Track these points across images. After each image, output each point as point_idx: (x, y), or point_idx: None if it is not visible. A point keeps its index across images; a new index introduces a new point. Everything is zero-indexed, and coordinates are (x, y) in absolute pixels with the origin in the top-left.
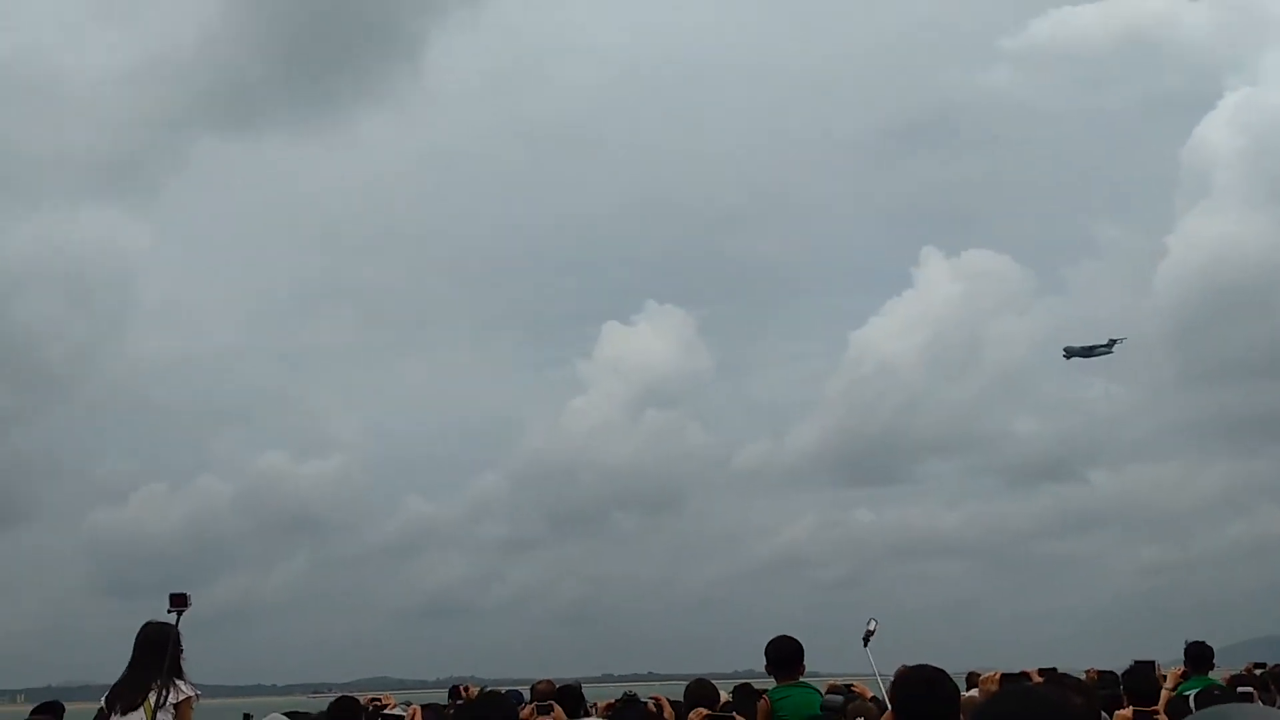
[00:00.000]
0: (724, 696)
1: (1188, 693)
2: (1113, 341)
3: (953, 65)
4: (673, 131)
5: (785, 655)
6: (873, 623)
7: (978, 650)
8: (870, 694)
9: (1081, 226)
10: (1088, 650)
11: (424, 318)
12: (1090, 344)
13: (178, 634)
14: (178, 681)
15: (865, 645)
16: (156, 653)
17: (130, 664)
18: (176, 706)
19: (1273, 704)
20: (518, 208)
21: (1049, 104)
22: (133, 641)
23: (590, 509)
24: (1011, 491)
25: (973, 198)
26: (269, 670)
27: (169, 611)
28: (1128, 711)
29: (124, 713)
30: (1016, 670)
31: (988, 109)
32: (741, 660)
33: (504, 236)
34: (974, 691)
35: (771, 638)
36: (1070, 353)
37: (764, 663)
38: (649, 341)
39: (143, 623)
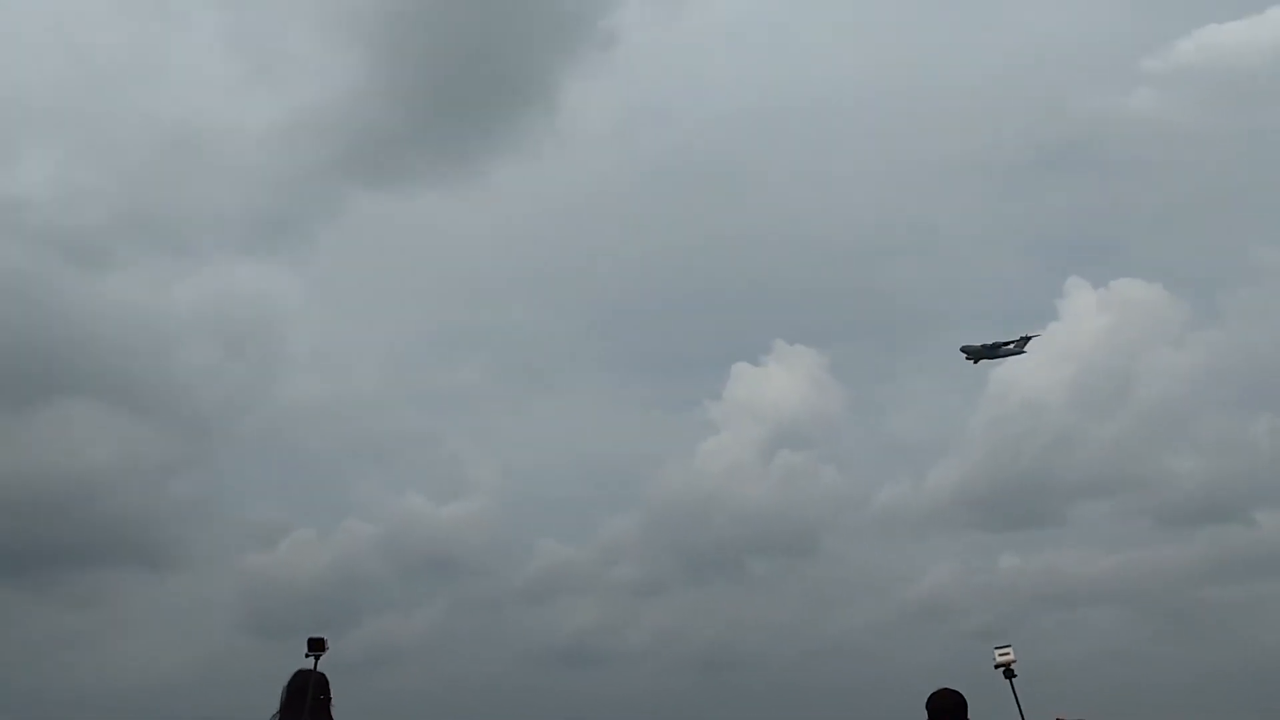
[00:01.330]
0: None
1: None
2: (1025, 339)
3: (1093, 88)
4: (803, 166)
5: (948, 707)
6: (1009, 652)
7: (1134, 703)
8: None
9: (1238, 252)
10: (1250, 708)
11: (557, 361)
12: (994, 341)
13: (325, 680)
14: None
15: (1008, 677)
16: (306, 700)
17: (281, 710)
18: None
19: None
20: (647, 249)
21: (1198, 125)
22: (280, 683)
23: (723, 552)
24: (1169, 534)
25: (1119, 225)
26: (412, 714)
27: (307, 655)
28: None
29: None
30: None
31: (1132, 132)
32: (880, 709)
33: (633, 278)
34: None
35: (932, 690)
36: (971, 354)
37: (908, 713)
38: (779, 381)
39: (290, 666)
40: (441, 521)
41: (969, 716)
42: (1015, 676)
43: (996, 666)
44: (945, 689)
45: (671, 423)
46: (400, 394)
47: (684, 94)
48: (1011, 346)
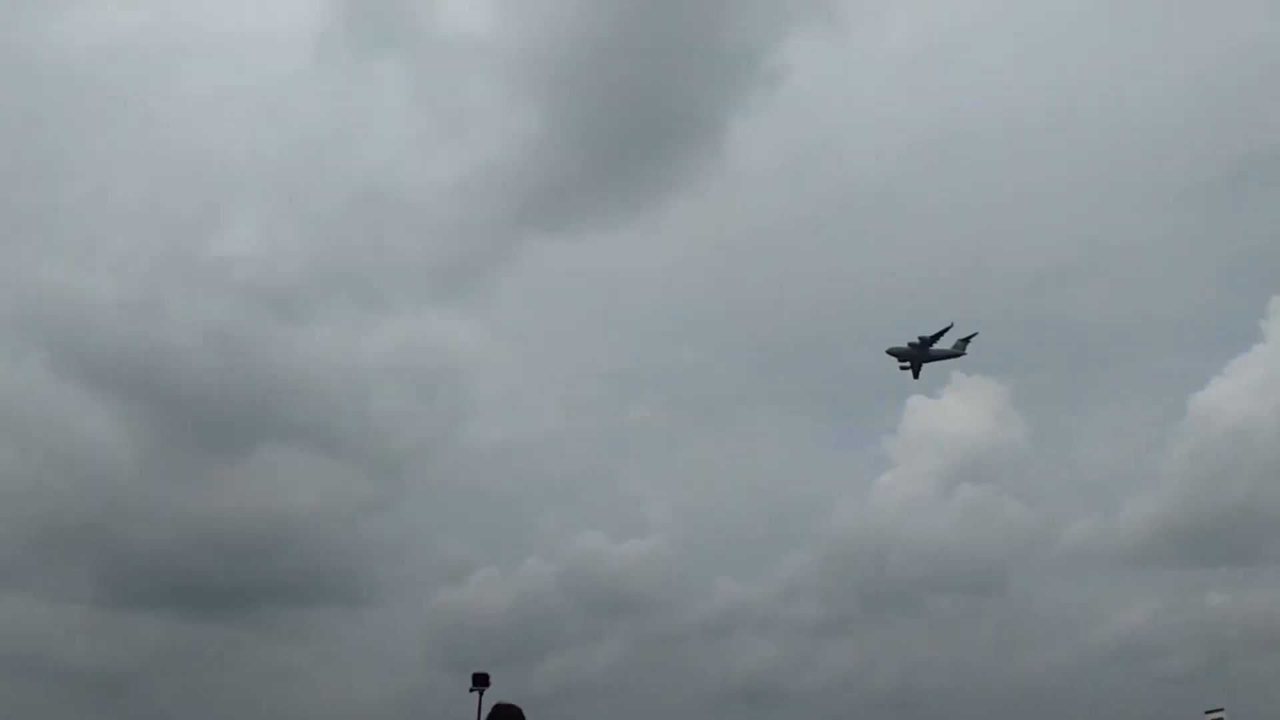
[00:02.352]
0: None
1: None
2: (966, 339)
3: None
4: (976, 194)
5: None
6: (1222, 717)
7: None
8: None
9: None
10: None
11: (729, 399)
12: (922, 337)
13: (521, 714)
14: None
15: None
16: None
17: None
18: None
19: None
20: (817, 284)
21: None
22: (470, 716)
23: (904, 590)
24: None
25: None
26: None
27: (471, 690)
28: None
29: None
30: None
31: None
32: None
33: (804, 314)
34: None
35: None
36: (900, 356)
37: None
38: (958, 413)
39: (478, 700)
40: (619, 559)
41: None
42: None
43: None
44: None
45: (845, 458)
46: (577, 434)
47: (851, 127)
48: (950, 348)
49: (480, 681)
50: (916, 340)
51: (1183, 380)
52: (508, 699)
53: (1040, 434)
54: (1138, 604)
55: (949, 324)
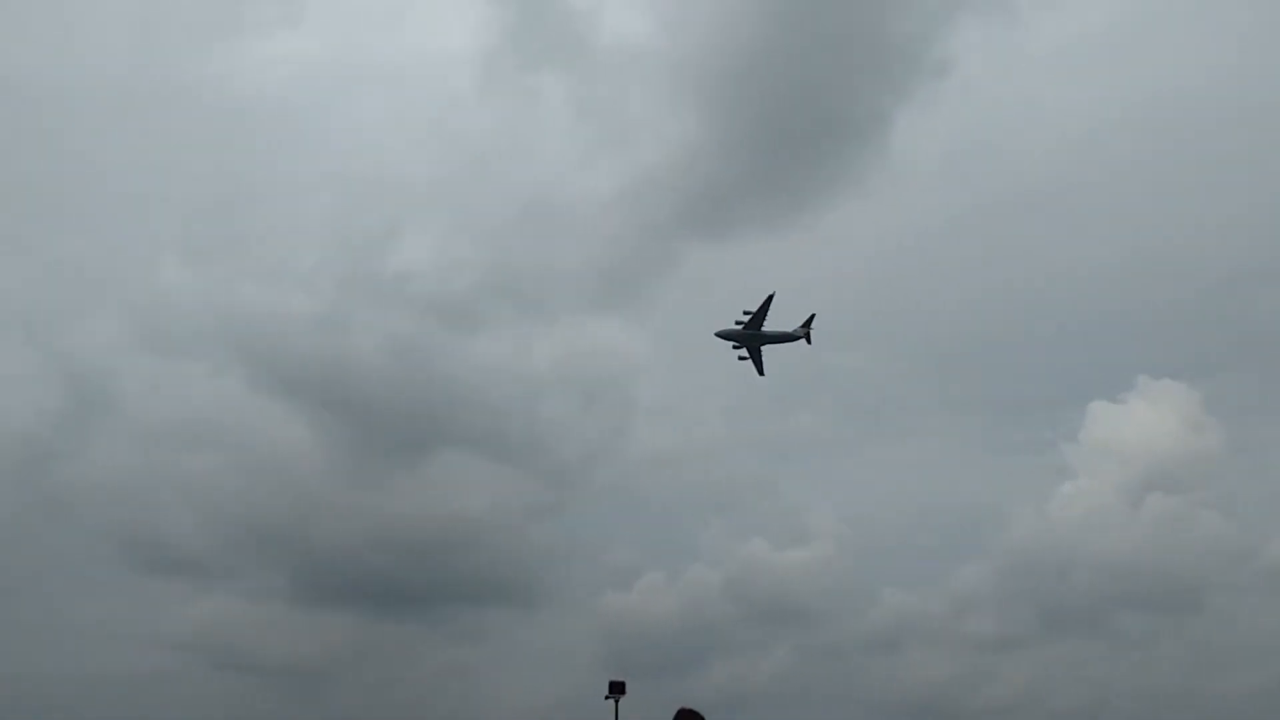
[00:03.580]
0: None
1: None
2: (809, 320)
3: None
4: (1161, 184)
5: None
6: None
7: None
8: None
9: None
10: None
11: (895, 405)
12: (750, 314)
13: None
14: None
15: None
16: None
17: None
18: None
19: None
20: (987, 285)
21: None
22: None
23: (1088, 607)
24: None
25: None
26: None
27: (606, 698)
28: None
29: None
30: None
31: None
32: None
33: (973, 316)
34: None
35: None
36: (733, 339)
37: None
38: (1144, 420)
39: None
40: (783, 567)
41: None
42: None
43: None
44: None
45: (1021, 467)
46: (740, 441)
47: (1023, 117)
48: (792, 330)
49: (616, 689)
50: (746, 319)
51: None
52: (672, 705)
53: (1236, 441)
54: None
55: (771, 293)
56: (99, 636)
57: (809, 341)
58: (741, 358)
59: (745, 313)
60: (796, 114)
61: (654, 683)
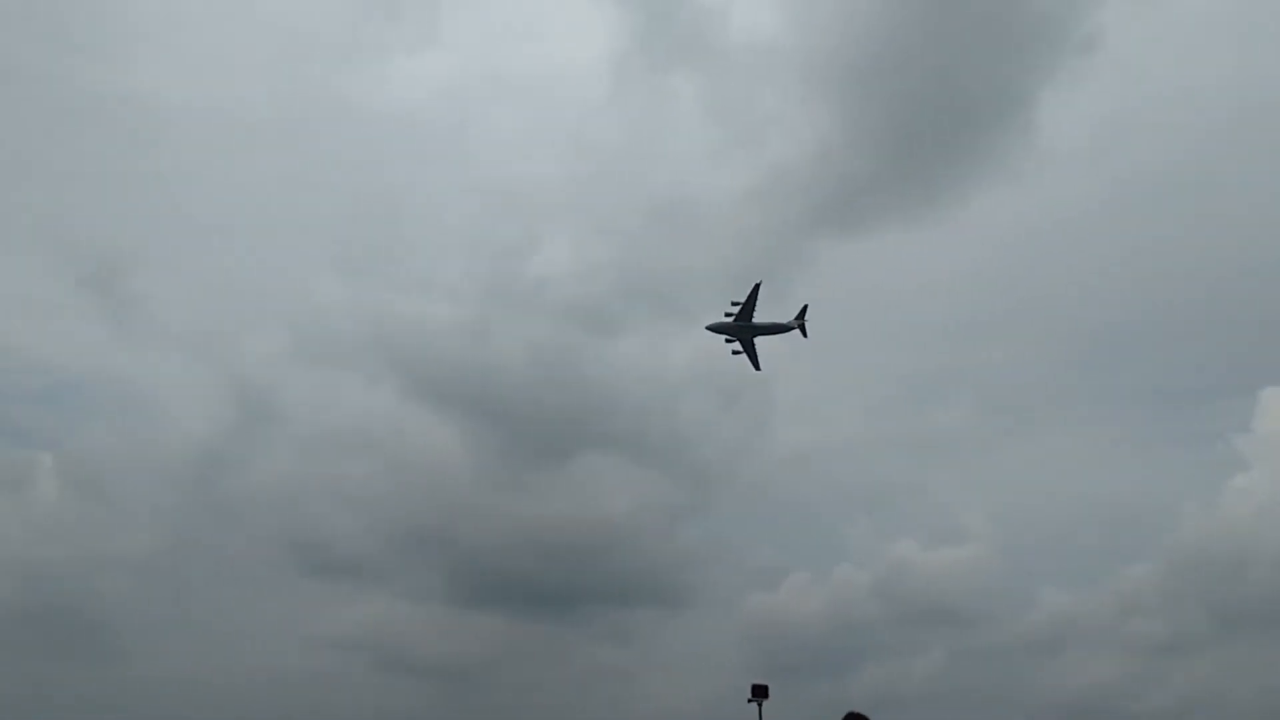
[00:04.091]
0: None
1: None
2: (803, 311)
3: None
4: None
5: None
6: None
7: None
8: None
9: None
10: None
11: (1045, 398)
12: (738, 304)
13: None
14: None
15: None
16: None
17: None
18: None
19: None
20: (1139, 270)
21: None
22: None
23: (1268, 607)
24: None
25: None
26: None
27: (749, 701)
28: None
29: None
30: None
31: None
32: None
33: (1126, 303)
34: None
35: None
36: (720, 330)
37: None
38: None
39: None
40: (933, 567)
41: None
42: None
43: None
44: None
45: (1185, 460)
46: (881, 439)
47: (1173, 93)
48: (786, 321)
49: (760, 693)
50: (734, 310)
51: None
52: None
53: None
54: None
55: (758, 281)
56: (267, 637)
57: (804, 333)
58: (735, 351)
59: (733, 303)
60: (932, 102)
61: (803, 685)
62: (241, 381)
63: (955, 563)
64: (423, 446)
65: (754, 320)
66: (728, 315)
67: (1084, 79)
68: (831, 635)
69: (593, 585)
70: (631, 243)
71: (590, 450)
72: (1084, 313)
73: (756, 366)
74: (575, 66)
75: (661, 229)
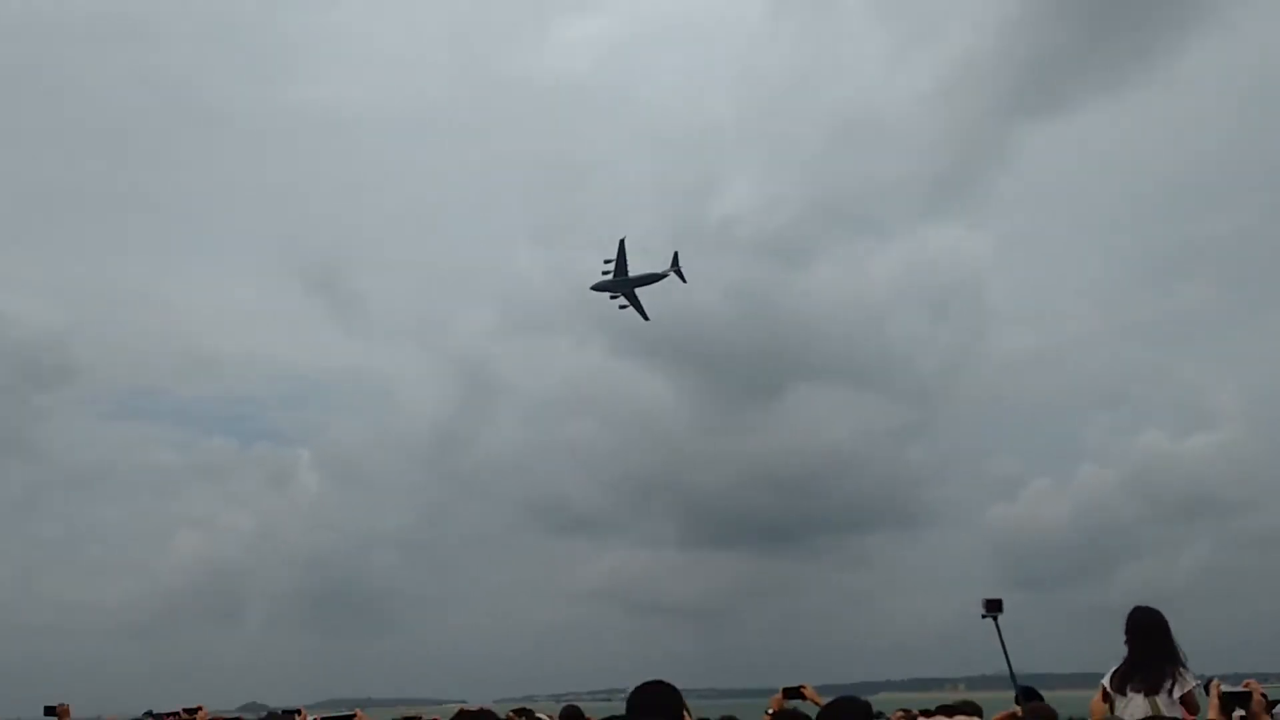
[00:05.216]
0: None
1: None
2: (675, 259)
3: None
4: None
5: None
6: None
7: None
8: None
9: None
10: None
11: None
12: (610, 259)
13: (1164, 621)
14: (1183, 671)
15: None
16: (1156, 638)
17: (1135, 650)
18: (1182, 698)
19: None
20: None
21: None
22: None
23: None
24: None
25: None
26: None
27: (983, 617)
28: None
29: (1143, 694)
30: None
31: None
32: None
33: None
34: None
35: None
36: (603, 288)
37: None
38: None
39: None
40: (1187, 457)
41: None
42: None
43: None
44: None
45: None
46: (1115, 329)
47: None
48: (660, 271)
49: (993, 607)
50: (609, 266)
51: None
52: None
53: None
54: None
55: (622, 238)
56: (528, 596)
57: (682, 279)
58: (622, 306)
59: (606, 261)
60: None
61: (1057, 594)
62: (460, 359)
63: (1210, 449)
64: (636, 399)
65: (630, 274)
66: (604, 274)
67: None
68: (1081, 540)
69: (825, 514)
70: (813, 167)
71: (800, 382)
72: None
73: (645, 317)
74: (729, 1)
75: (843, 147)
